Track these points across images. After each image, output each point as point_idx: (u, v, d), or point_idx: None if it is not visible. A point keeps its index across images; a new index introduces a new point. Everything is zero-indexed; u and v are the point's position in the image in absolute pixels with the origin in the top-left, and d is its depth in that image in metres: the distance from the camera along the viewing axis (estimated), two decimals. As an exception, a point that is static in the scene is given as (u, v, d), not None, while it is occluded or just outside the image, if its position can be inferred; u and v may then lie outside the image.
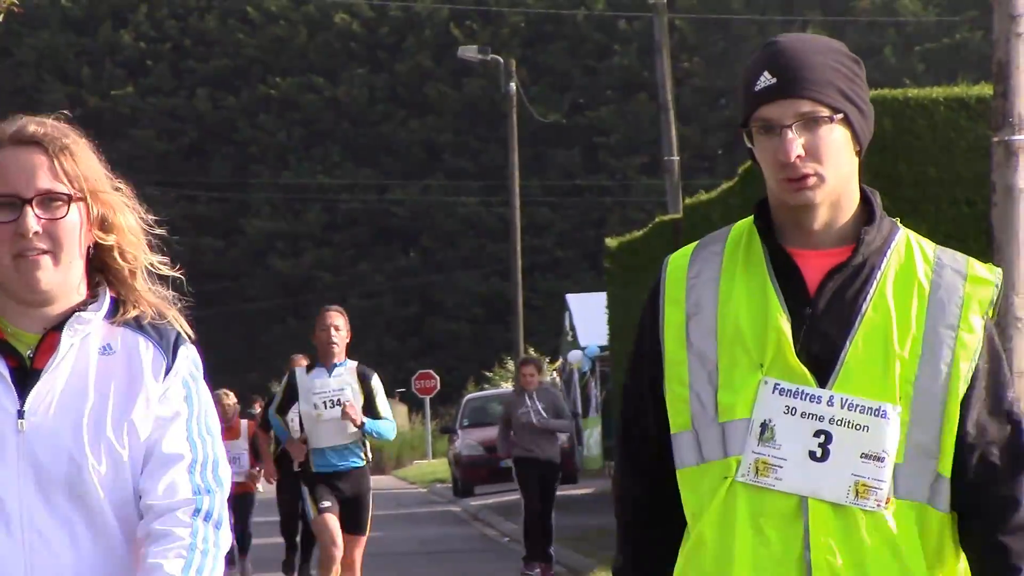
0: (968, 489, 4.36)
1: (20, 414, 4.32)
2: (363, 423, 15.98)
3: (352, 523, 16.20)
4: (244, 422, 26.24)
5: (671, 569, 4.59)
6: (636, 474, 4.58)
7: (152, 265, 4.57)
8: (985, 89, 23.65)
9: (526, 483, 24.46)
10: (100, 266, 4.51)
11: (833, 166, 4.38)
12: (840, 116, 4.40)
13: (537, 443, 24.36)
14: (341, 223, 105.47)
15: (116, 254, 4.47)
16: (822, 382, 4.33)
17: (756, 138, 4.45)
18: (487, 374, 74.27)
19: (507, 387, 35.85)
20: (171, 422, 4.42)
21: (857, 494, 4.30)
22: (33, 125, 4.44)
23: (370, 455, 16.51)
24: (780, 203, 4.47)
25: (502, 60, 66.98)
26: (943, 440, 4.34)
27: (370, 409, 16.09)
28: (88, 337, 4.43)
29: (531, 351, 52.65)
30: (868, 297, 4.39)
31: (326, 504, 15.99)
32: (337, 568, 15.97)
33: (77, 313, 4.41)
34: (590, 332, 58.74)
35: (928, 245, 4.51)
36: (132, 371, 4.43)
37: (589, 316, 59.27)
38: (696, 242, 4.62)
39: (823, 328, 4.37)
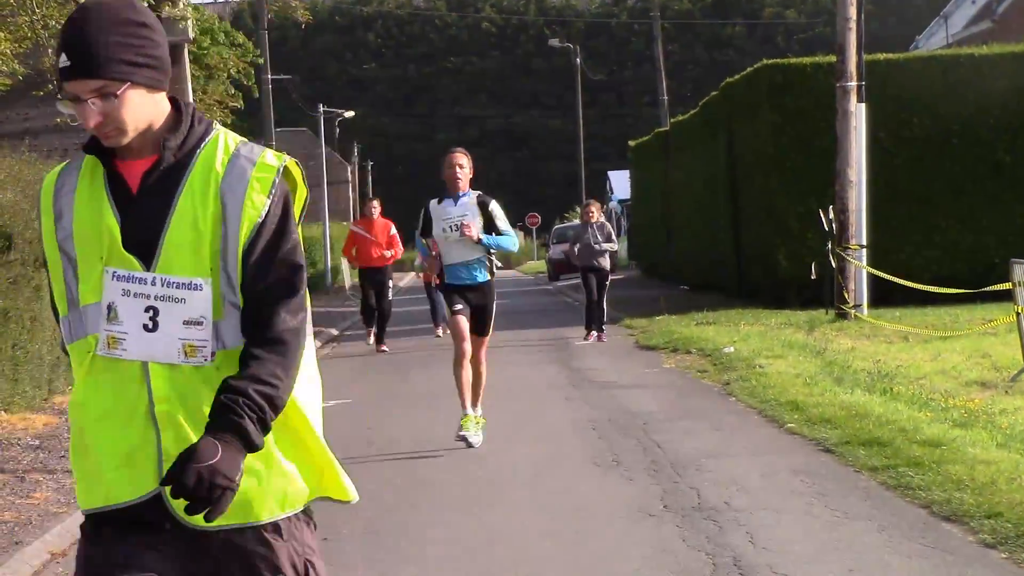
0: (248, 318, 3.16)
1: None
2: (480, 239, 11.18)
3: (479, 327, 11.29)
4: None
5: None
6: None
7: None
8: (832, 58, 23.36)
9: (588, 283, 21.40)
10: None
11: (129, 120, 3.13)
12: (127, 84, 3.10)
13: (595, 258, 21.29)
14: (487, 133, 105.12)
15: None
16: (148, 266, 3.13)
17: (68, 104, 3.15)
18: (565, 216, 74.05)
19: (577, 221, 35.47)
20: None
21: (186, 354, 3.13)
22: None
23: (495, 271, 11.46)
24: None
25: (572, 46, 66.19)
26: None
27: (490, 228, 11.23)
28: None
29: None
30: (180, 190, 3.16)
31: (458, 307, 11.21)
32: (467, 361, 11.35)
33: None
34: (620, 191, 58.65)
35: (234, 141, 3.25)
36: None
37: (620, 182, 59.27)
38: (67, 162, 3.34)
39: (144, 221, 3.15)
